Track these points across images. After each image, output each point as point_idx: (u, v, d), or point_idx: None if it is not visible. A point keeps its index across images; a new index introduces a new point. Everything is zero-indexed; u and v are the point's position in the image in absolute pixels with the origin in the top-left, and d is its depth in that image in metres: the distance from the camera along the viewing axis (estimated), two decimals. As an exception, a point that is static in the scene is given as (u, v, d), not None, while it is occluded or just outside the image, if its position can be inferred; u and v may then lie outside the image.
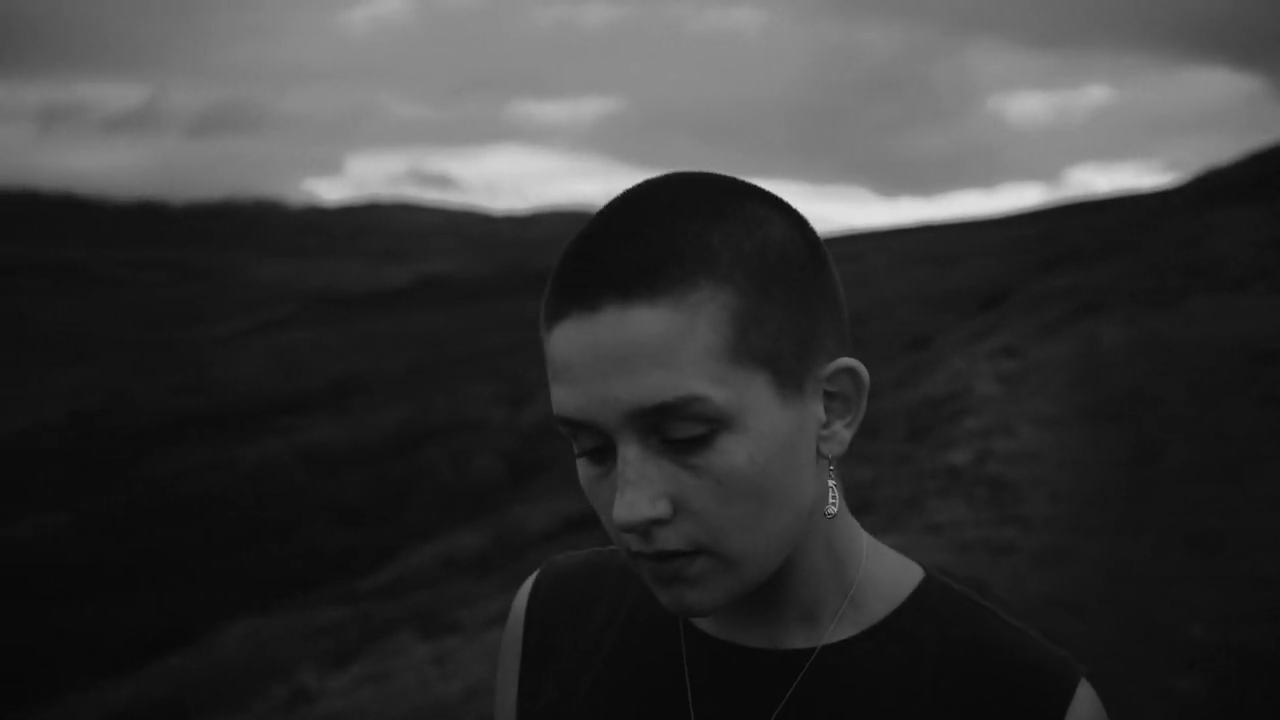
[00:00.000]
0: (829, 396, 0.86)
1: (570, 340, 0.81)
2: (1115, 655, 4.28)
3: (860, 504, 7.04)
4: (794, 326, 0.83)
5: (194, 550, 37.59)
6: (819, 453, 0.86)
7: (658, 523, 0.82)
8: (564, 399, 0.82)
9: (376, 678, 6.36)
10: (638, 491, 0.81)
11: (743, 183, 0.87)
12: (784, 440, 0.83)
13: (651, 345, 0.79)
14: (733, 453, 0.81)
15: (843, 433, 0.87)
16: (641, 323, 0.79)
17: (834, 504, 0.87)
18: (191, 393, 66.98)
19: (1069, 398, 9.42)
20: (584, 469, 0.85)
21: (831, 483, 0.88)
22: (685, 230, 0.81)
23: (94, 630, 29.63)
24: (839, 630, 0.90)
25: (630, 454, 0.81)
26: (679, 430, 0.80)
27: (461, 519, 23.85)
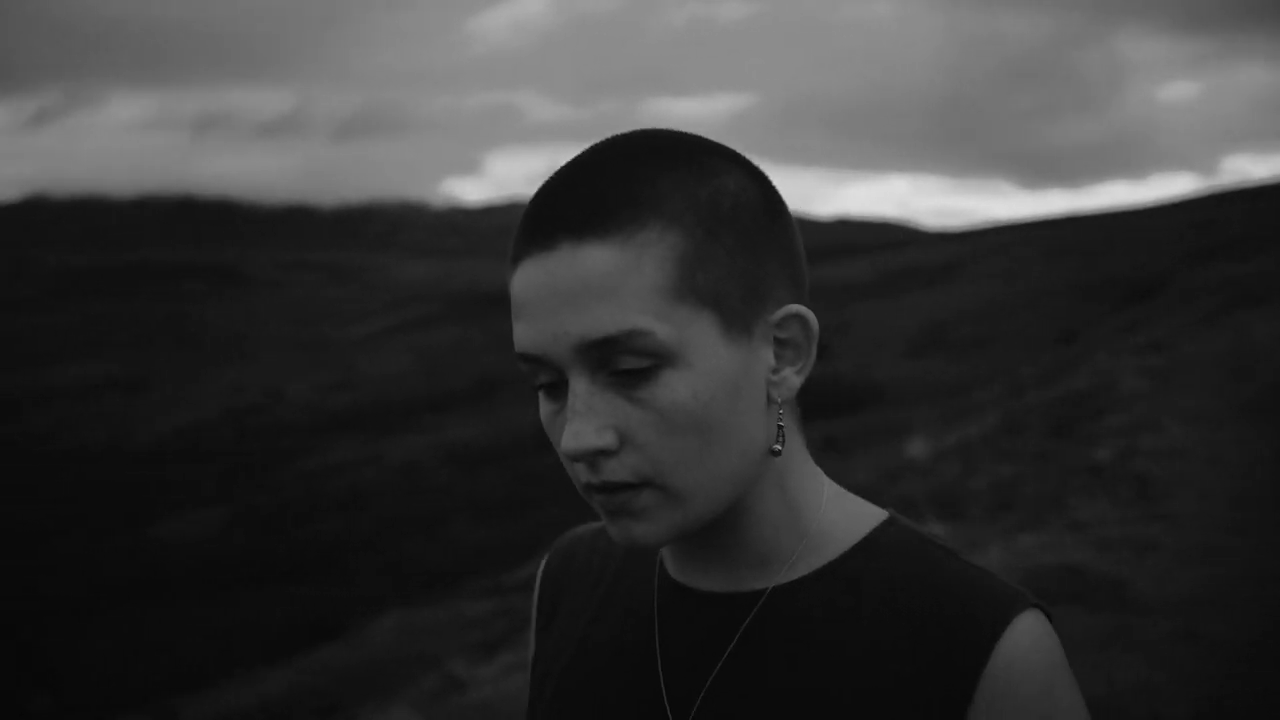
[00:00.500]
0: (779, 344, 0.89)
1: (529, 278, 0.85)
2: (1262, 655, 4.22)
3: (1000, 502, 7.00)
4: (742, 271, 0.86)
5: (344, 544, 38.55)
6: (769, 398, 0.88)
7: (604, 453, 0.84)
8: (522, 334, 0.86)
9: (524, 667, 6.53)
10: (584, 422, 0.84)
11: (704, 139, 0.90)
12: (728, 379, 0.85)
13: (599, 281, 0.82)
14: (676, 387, 0.83)
15: (792, 378, 0.89)
16: (591, 259, 0.83)
17: (779, 444, 0.89)
18: (340, 391, 68.68)
19: (1220, 393, 9.21)
20: (542, 405, 0.88)
21: (781, 424, 0.89)
22: (639, 175, 0.85)
23: (250, 621, 30.56)
24: (792, 572, 0.91)
25: (579, 387, 0.84)
26: (625, 363, 0.83)
27: (598, 515, 24.06)
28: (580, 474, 0.86)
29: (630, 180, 0.85)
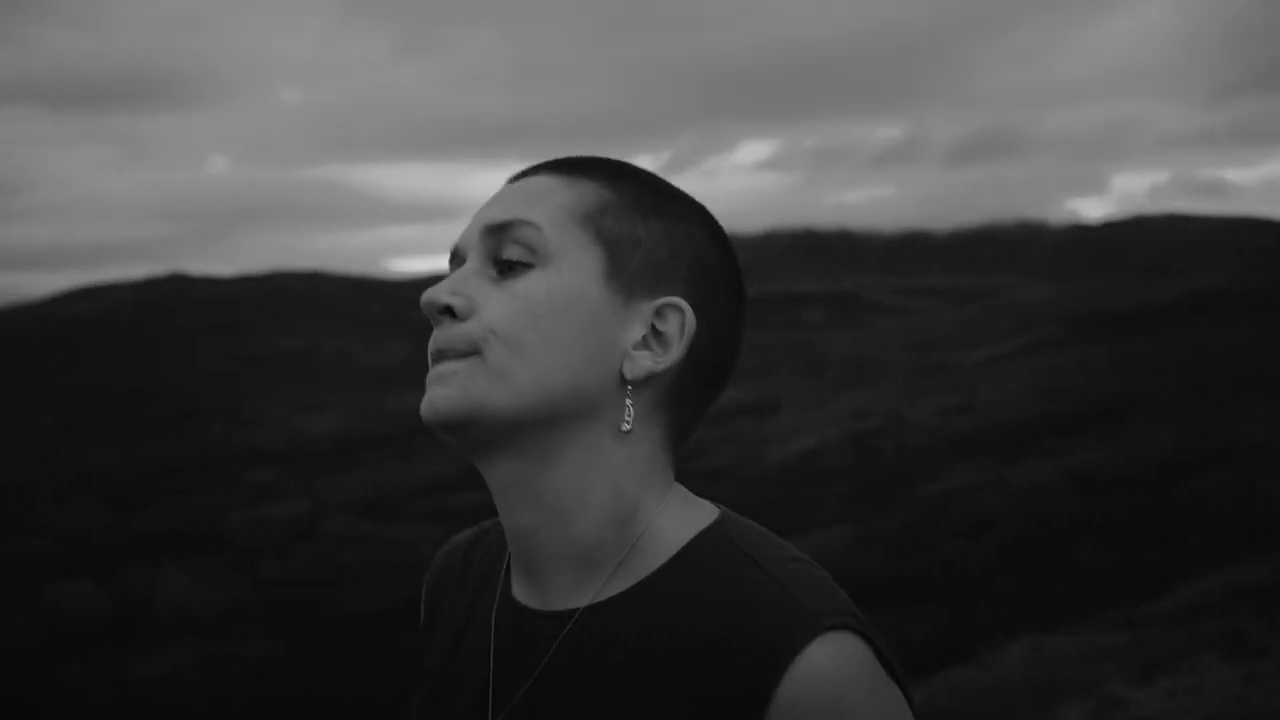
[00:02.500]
0: (654, 331, 0.98)
1: (497, 193, 1.02)
2: None
3: None
4: (652, 252, 0.98)
5: (969, 568, 38.48)
6: (621, 373, 0.96)
7: (451, 313, 0.96)
8: (461, 232, 1.01)
9: (1182, 693, 6.46)
10: (447, 283, 0.97)
11: (714, 218, 1.04)
12: (587, 309, 0.95)
13: (530, 192, 0.99)
14: (538, 282, 0.95)
15: (646, 362, 0.97)
16: (536, 180, 1.00)
17: (628, 423, 0.95)
18: (960, 414, 68.43)
19: None
20: None
21: (629, 402, 0.96)
22: (615, 163, 1.01)
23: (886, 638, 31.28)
24: (608, 588, 0.95)
25: (468, 265, 0.98)
26: (509, 252, 0.96)
27: (1246, 547, 22.57)
28: (431, 344, 0.98)
29: (604, 161, 1.01)
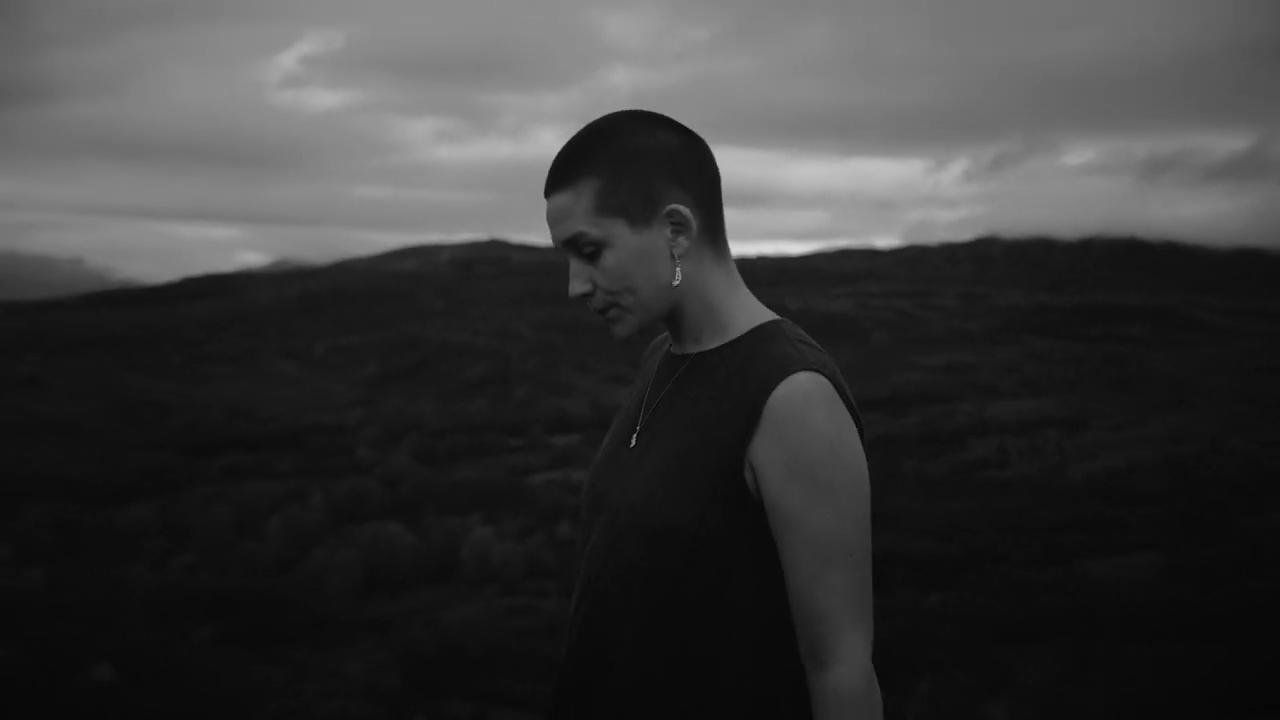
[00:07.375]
0: (674, 225, 1.62)
1: (547, 212, 1.66)
2: None
3: None
4: (639, 192, 1.61)
5: (1287, 609, 36.23)
6: (672, 254, 1.63)
7: (587, 295, 1.65)
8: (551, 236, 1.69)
9: None
10: (574, 280, 1.65)
11: (638, 111, 1.66)
12: (637, 251, 1.61)
13: (561, 211, 1.63)
14: (608, 259, 1.62)
15: (683, 243, 1.63)
16: (559, 200, 1.63)
17: (678, 280, 1.63)
18: (1287, 448, 64.33)
19: None
20: None
21: (679, 268, 1.63)
22: (581, 145, 1.63)
23: (1191, 671, 29.89)
24: (709, 345, 1.67)
25: (571, 263, 1.65)
26: (585, 249, 1.62)
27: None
28: (590, 307, 1.65)
29: (579, 149, 1.62)
